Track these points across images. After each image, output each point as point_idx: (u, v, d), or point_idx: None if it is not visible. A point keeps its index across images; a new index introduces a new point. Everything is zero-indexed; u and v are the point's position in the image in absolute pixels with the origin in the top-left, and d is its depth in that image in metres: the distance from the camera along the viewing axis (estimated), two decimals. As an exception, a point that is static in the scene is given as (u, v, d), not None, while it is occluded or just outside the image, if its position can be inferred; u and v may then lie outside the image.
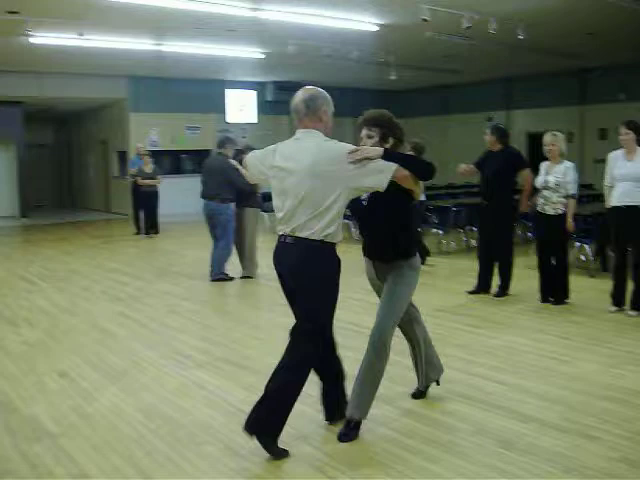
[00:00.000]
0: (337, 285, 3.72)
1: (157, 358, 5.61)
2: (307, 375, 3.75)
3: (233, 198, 8.75)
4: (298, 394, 3.70)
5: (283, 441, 3.74)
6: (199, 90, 18.18)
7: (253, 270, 9.12)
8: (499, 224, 7.78)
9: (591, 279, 8.66)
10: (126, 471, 3.59)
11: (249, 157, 4.02)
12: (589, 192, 13.17)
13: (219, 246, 8.91)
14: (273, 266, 3.81)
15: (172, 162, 18.37)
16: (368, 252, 4.22)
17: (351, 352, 4.65)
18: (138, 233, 13.92)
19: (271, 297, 7.67)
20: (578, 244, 9.21)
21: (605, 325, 6.51)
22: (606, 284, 7.82)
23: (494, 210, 7.76)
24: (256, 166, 3.95)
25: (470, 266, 9.74)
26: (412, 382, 4.69)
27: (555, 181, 7.12)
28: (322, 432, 4.06)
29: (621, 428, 4.05)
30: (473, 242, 11.32)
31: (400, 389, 4.73)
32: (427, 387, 4.64)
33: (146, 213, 13.79)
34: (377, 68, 16.29)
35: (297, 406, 3.76)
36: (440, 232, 10.93)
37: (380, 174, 3.56)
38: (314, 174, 3.54)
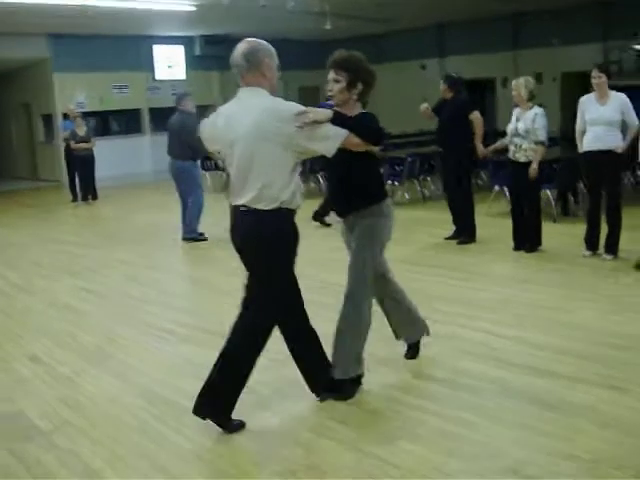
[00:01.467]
0: (292, 253, 3.49)
1: (135, 335, 5.22)
2: (260, 346, 3.50)
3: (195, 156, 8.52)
4: (252, 367, 3.50)
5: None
6: (126, 47, 17.24)
7: None
8: (455, 171, 7.88)
9: (555, 224, 8.63)
10: (138, 465, 3.26)
11: (201, 128, 3.70)
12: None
13: (187, 204, 8.59)
14: (231, 241, 3.53)
15: (101, 123, 17.49)
16: (333, 205, 4.04)
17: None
18: (75, 200, 13.16)
19: (236, 262, 7.31)
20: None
21: (585, 270, 6.45)
22: (570, 228, 7.94)
23: (450, 157, 7.89)
24: (209, 136, 3.64)
25: (427, 216, 9.64)
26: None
27: (524, 128, 6.97)
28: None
29: (645, 378, 3.95)
30: (426, 192, 11.22)
31: (401, 350, 4.49)
32: (417, 343, 4.40)
33: (82, 178, 13.01)
34: (312, 18, 15.78)
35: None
36: (395, 183, 10.71)
37: (328, 140, 3.37)
38: (259, 136, 3.28)
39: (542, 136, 6.98)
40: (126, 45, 17.24)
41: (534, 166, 6.94)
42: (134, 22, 15.46)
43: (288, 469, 3.14)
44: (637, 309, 5.22)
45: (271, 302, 3.52)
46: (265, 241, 3.39)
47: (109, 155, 15.86)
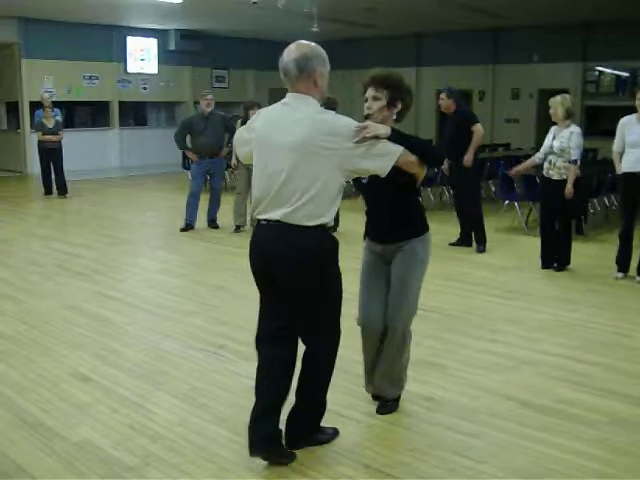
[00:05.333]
0: (336, 267, 3.18)
1: (182, 349, 4.76)
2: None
3: None
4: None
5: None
6: (99, 36, 16.54)
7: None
8: (464, 183, 7.98)
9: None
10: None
11: (237, 136, 3.45)
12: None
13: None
14: (250, 255, 3.19)
15: (67, 115, 16.65)
16: (371, 232, 3.74)
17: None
18: (47, 193, 12.42)
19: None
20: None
21: (625, 292, 6.37)
22: (586, 248, 7.97)
23: (459, 170, 7.96)
24: (243, 140, 3.34)
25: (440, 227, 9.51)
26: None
27: (560, 146, 6.86)
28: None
29: None
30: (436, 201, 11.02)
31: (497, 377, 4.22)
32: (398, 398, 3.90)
33: (54, 171, 12.33)
34: (299, 20, 15.40)
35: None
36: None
37: (383, 157, 3.09)
38: (305, 147, 2.98)
39: (575, 155, 6.86)
40: (99, 34, 16.55)
41: (569, 186, 6.81)
42: (110, 11, 14.78)
43: None
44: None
45: (329, 325, 3.23)
46: (309, 258, 3.04)
47: (74, 148, 15.10)
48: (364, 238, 3.80)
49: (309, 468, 3.21)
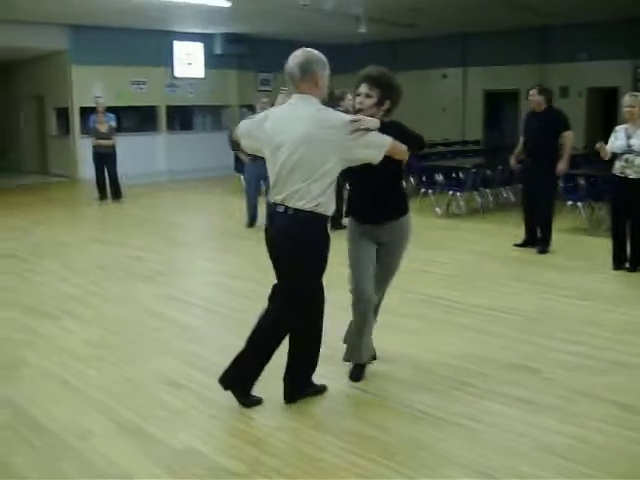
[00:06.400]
0: (324, 259, 3.66)
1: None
2: (280, 339, 3.80)
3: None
4: (271, 354, 3.80)
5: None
6: (146, 42, 16.65)
7: None
8: (543, 183, 7.79)
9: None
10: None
11: (240, 127, 3.86)
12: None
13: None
14: (265, 237, 3.72)
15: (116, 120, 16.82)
16: (361, 215, 4.10)
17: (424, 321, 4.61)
18: (102, 198, 12.55)
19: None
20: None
21: None
22: None
23: (538, 169, 7.77)
24: (250, 134, 3.79)
25: (496, 228, 9.42)
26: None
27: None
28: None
29: None
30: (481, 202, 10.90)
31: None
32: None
33: (108, 176, 12.46)
34: (346, 21, 15.36)
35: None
36: (458, 194, 10.38)
37: (375, 148, 3.57)
38: (308, 141, 3.46)
39: (657, 152, 6.69)
40: (146, 39, 16.65)
41: None
42: (157, 16, 14.88)
43: None
44: None
45: (298, 301, 3.68)
46: (299, 239, 3.54)
47: (123, 152, 15.23)
48: (345, 216, 4.20)
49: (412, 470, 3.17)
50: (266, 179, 9.43)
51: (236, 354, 3.79)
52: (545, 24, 16.69)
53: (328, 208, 3.58)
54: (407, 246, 4.13)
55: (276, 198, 3.58)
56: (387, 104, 3.88)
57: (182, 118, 18.62)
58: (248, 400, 3.83)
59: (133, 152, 16.37)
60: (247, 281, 6.83)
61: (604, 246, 7.29)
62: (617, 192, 7.00)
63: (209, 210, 12.02)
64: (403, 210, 4.09)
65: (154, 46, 16.96)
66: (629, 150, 6.73)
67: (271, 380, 3.89)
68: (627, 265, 7.01)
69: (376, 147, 3.56)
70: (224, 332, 5.25)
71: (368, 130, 3.50)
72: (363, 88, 3.87)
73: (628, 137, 6.77)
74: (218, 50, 18.15)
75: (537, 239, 7.97)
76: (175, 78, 17.68)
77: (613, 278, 6.83)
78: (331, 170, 3.51)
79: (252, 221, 9.49)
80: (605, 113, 16.57)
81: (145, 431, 3.62)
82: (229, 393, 3.86)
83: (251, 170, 9.31)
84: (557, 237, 8.11)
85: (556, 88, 17.86)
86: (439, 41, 18.85)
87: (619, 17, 15.19)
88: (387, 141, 3.58)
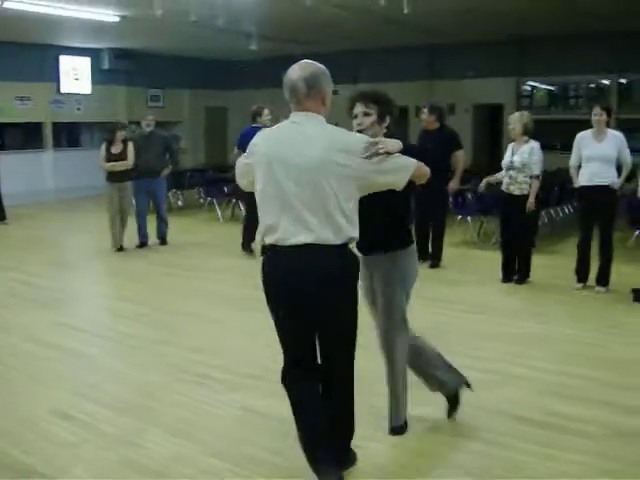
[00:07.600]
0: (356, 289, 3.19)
1: (170, 382, 4.56)
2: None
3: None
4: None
5: None
6: (30, 56, 15.97)
7: None
8: (434, 200, 7.88)
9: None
10: None
11: (236, 169, 3.35)
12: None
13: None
14: (270, 284, 3.08)
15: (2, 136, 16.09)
16: (361, 246, 3.56)
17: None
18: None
19: (223, 292, 6.85)
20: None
21: (589, 303, 6.53)
22: (542, 260, 8.01)
23: (432, 187, 7.56)
24: (244, 174, 3.27)
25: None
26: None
27: (521, 161, 7.00)
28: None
29: None
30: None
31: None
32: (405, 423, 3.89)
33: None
34: (237, 38, 15.32)
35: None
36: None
37: (400, 172, 3.13)
38: (326, 169, 2.94)
39: (537, 170, 7.02)
40: (31, 54, 15.98)
41: (531, 199, 6.98)
42: (42, 29, 14.34)
43: None
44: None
45: (353, 344, 3.21)
46: (344, 276, 3.04)
47: (6, 171, 14.54)
48: None
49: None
50: (155, 195, 9.60)
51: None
52: (433, 43, 17.25)
53: (357, 234, 3.10)
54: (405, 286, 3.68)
55: (297, 239, 2.96)
56: (388, 120, 3.57)
57: (69, 135, 17.99)
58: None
59: (18, 170, 15.67)
60: (138, 304, 6.61)
61: (494, 259, 7.55)
62: (504, 208, 7.28)
63: (98, 229, 11.59)
64: (405, 238, 3.71)
65: (39, 60, 16.30)
66: (512, 166, 7.03)
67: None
68: (515, 277, 7.29)
69: (400, 171, 3.12)
70: (121, 360, 5.07)
71: (388, 153, 3.07)
72: (359, 108, 3.55)
73: (512, 154, 7.07)
74: (106, 65, 17.64)
75: (429, 254, 8.14)
76: (61, 94, 17.05)
77: (503, 290, 7.08)
78: (351, 198, 3.03)
79: (143, 243, 9.42)
80: (490, 129, 17.35)
81: (35, 471, 3.41)
82: (120, 423, 3.69)
83: (136, 185, 9.27)
84: (448, 251, 8.34)
85: (444, 105, 18.56)
86: (331, 57, 19.03)
87: (504, 36, 15.91)
88: (412, 163, 3.16)
